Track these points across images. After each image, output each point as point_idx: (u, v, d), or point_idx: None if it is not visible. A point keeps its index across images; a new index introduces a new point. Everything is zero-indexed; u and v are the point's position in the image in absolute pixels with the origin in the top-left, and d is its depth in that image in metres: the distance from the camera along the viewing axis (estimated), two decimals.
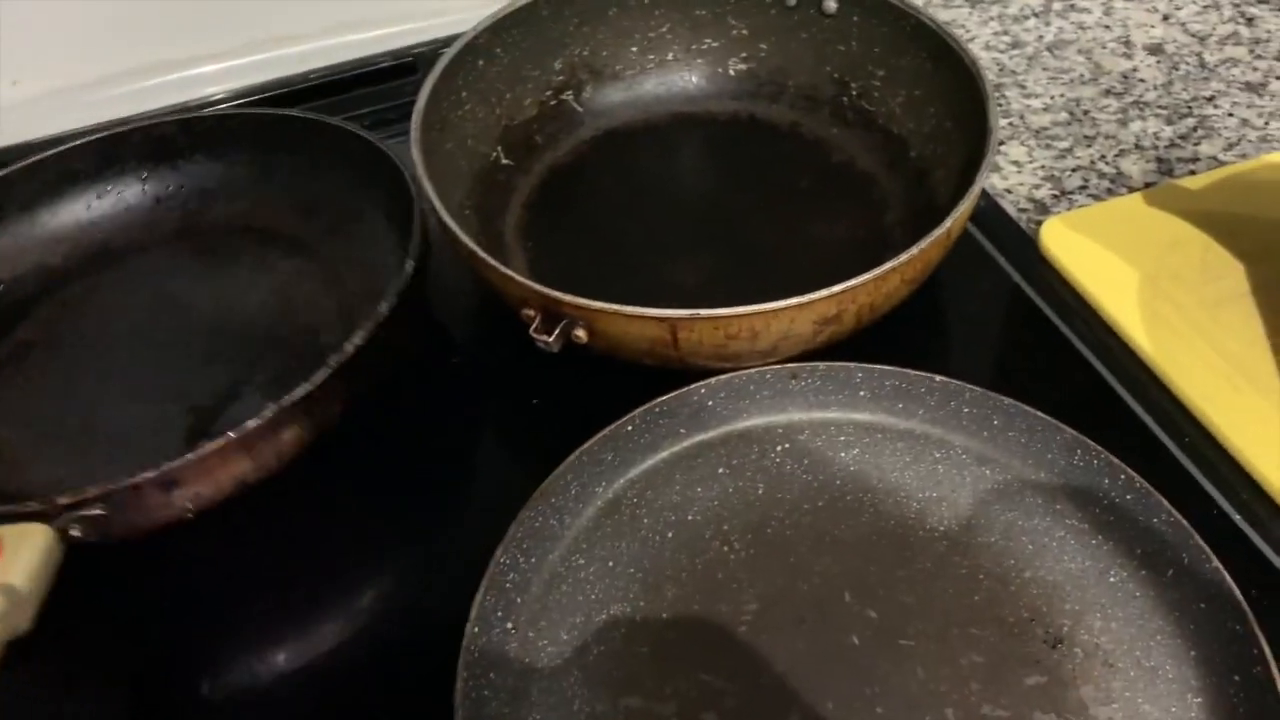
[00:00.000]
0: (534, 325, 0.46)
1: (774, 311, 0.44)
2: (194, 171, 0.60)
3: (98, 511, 0.40)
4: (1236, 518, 0.45)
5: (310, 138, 0.58)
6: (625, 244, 0.58)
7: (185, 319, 0.55)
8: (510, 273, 0.46)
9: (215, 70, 0.68)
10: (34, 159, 0.57)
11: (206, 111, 0.60)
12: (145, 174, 0.60)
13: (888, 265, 0.45)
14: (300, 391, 0.43)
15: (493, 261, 0.47)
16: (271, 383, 0.51)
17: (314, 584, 0.46)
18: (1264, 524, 0.45)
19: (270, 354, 0.53)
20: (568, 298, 0.45)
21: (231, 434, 0.42)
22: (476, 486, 0.50)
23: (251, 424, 0.42)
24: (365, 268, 0.55)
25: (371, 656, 0.44)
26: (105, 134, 0.59)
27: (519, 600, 0.43)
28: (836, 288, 0.44)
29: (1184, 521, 0.42)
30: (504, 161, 0.61)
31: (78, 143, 0.58)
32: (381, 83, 0.68)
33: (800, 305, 0.44)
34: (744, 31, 0.64)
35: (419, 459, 0.50)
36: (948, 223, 0.46)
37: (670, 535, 0.45)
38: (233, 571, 0.46)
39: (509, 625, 0.42)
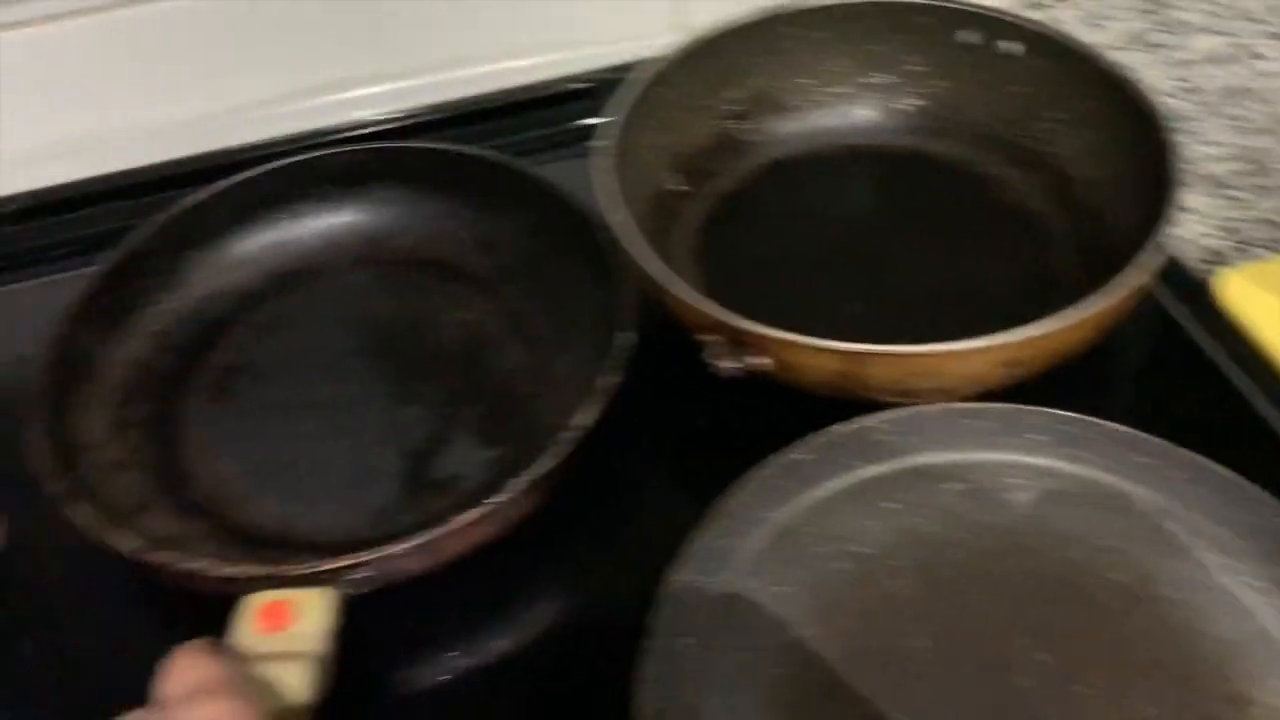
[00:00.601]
0: (713, 351, 0.48)
1: (961, 353, 0.45)
2: (381, 199, 0.62)
3: (368, 574, 0.43)
4: None
5: (493, 178, 0.60)
6: (796, 273, 0.59)
7: (379, 350, 0.57)
8: (696, 298, 0.48)
9: (386, 90, 0.71)
10: (228, 182, 0.59)
11: (402, 144, 0.62)
12: (334, 199, 0.62)
13: (1086, 311, 0.45)
14: (541, 468, 0.45)
15: (677, 289, 0.48)
16: (477, 430, 0.53)
17: (496, 594, 0.48)
18: None
19: (469, 400, 0.54)
20: (752, 326, 0.46)
21: (482, 507, 0.43)
22: (649, 508, 0.52)
23: (504, 496, 0.44)
24: (551, 310, 0.57)
25: (553, 666, 0.47)
26: (300, 159, 0.61)
27: (694, 618, 0.44)
28: (1027, 331, 0.45)
29: None
30: (678, 188, 0.63)
31: (270, 167, 0.60)
32: (553, 107, 0.70)
33: (987, 348, 0.45)
34: (918, 68, 0.65)
35: (595, 482, 0.51)
36: (1146, 272, 0.46)
37: (843, 567, 0.46)
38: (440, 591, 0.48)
39: (685, 641, 0.43)
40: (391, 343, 0.58)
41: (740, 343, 0.47)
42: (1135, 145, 0.55)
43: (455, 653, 0.47)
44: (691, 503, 0.48)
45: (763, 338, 0.46)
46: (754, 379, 0.49)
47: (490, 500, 0.44)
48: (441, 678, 0.46)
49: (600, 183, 0.53)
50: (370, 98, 0.71)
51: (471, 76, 0.71)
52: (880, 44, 0.65)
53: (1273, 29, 0.73)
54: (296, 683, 0.38)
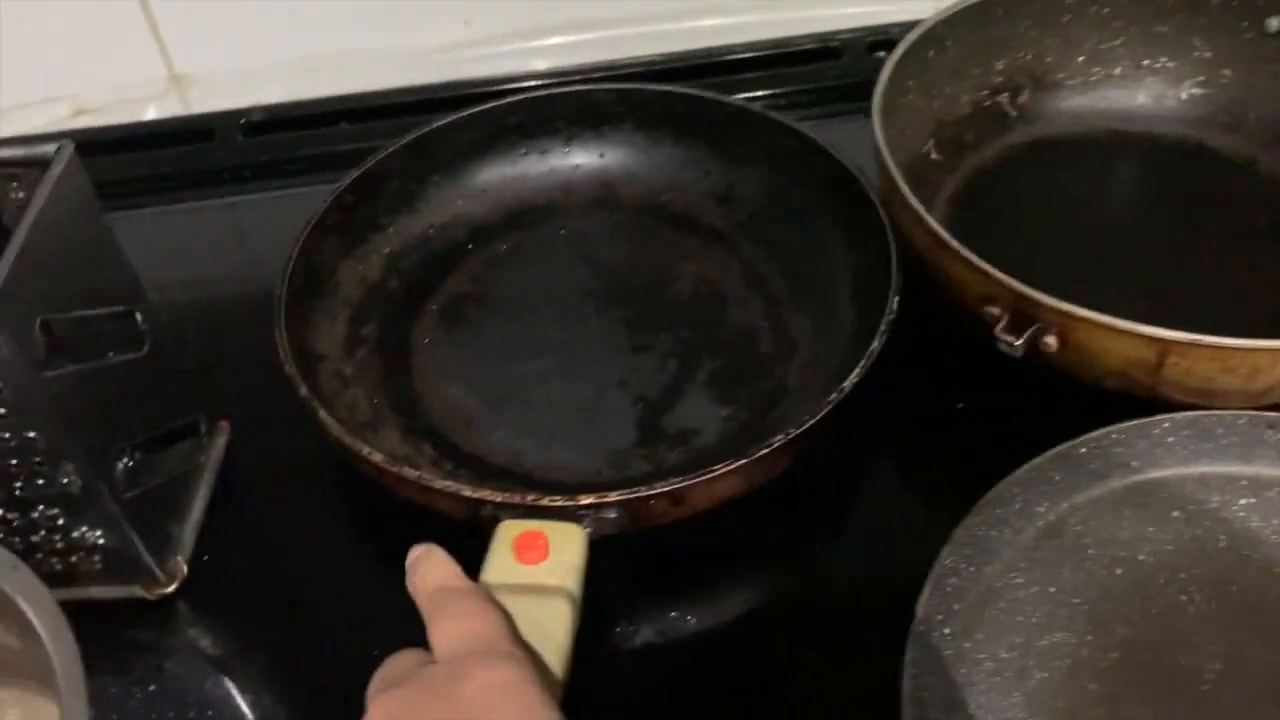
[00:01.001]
0: (1000, 325, 0.44)
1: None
2: (618, 141, 0.60)
3: (613, 515, 0.41)
4: None
5: (742, 128, 0.57)
6: (1055, 258, 0.54)
7: (610, 294, 0.55)
8: (987, 267, 0.44)
9: (635, 34, 0.69)
10: (472, 111, 0.58)
11: (646, 87, 0.60)
12: (571, 137, 0.60)
13: None
14: (804, 426, 0.42)
15: (966, 253, 0.45)
16: (712, 384, 0.51)
17: (731, 553, 0.46)
18: None
19: (707, 351, 0.52)
20: (1049, 300, 0.43)
21: (745, 457, 0.41)
22: (892, 487, 0.49)
23: (760, 451, 0.41)
24: (791, 271, 0.55)
25: (779, 633, 0.44)
26: (542, 94, 0.60)
27: (957, 607, 0.41)
28: None
29: None
30: (933, 157, 0.59)
31: (514, 99, 0.59)
32: (801, 65, 0.68)
33: None
34: (1207, 54, 0.60)
35: (840, 450, 0.48)
36: None
37: (1119, 572, 0.42)
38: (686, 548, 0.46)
39: (947, 631, 0.40)
40: (624, 288, 0.56)
41: (1027, 318, 0.44)
42: None
43: (684, 607, 0.45)
44: (943, 487, 0.45)
45: (1057, 312, 0.43)
46: (1032, 361, 0.45)
47: (748, 454, 0.41)
48: (669, 632, 0.44)
49: (877, 138, 0.50)
50: (622, 39, 0.69)
51: (722, 27, 0.68)
52: (1167, 24, 0.60)
53: None
54: (556, 618, 0.36)
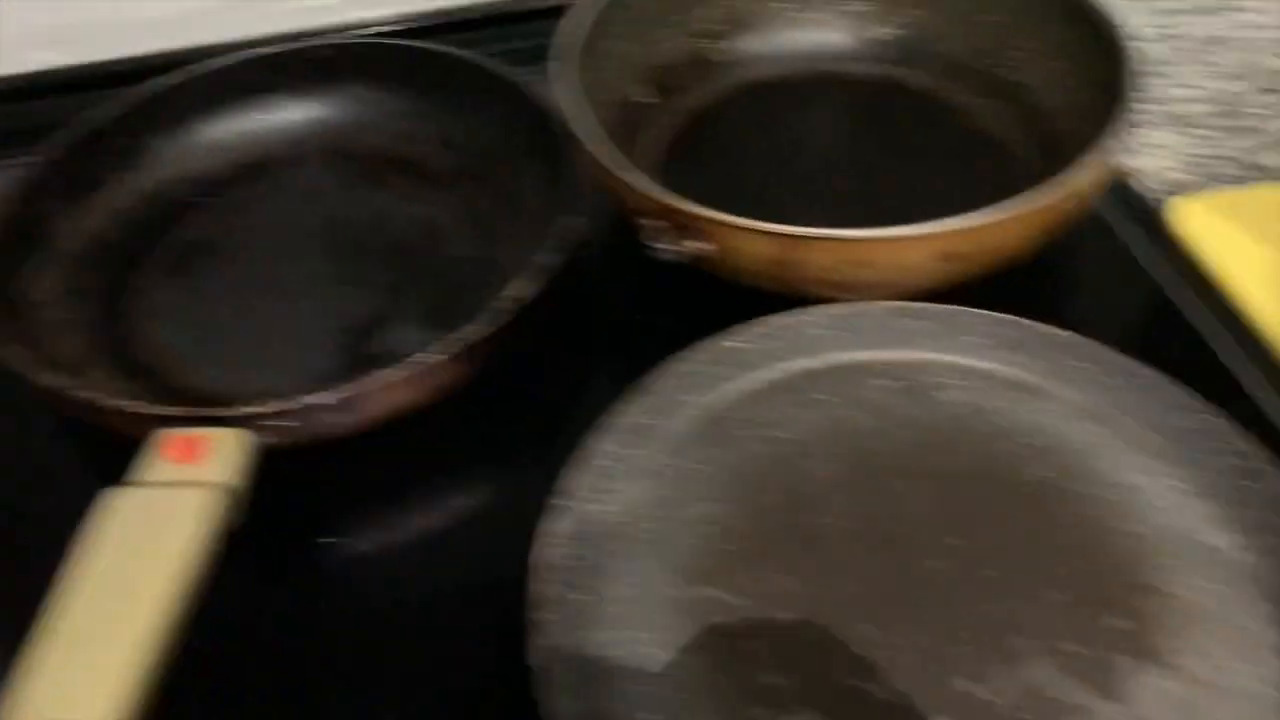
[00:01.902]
0: (654, 235, 0.48)
1: (897, 240, 0.45)
2: (349, 95, 0.63)
3: (285, 423, 0.43)
4: None
5: (460, 75, 0.60)
6: (756, 186, 0.59)
7: (336, 239, 0.58)
8: (633, 177, 0.48)
9: None
10: (202, 69, 0.60)
11: (366, 37, 0.63)
12: (304, 93, 0.63)
13: (1021, 207, 0.46)
14: (470, 334, 0.45)
15: (616, 169, 0.49)
16: (420, 315, 0.54)
17: (421, 464, 0.49)
18: None
19: (418, 285, 0.55)
20: (691, 207, 0.47)
21: (404, 366, 0.44)
22: (582, 391, 0.52)
23: (429, 360, 0.44)
24: (509, 206, 0.58)
25: (469, 539, 0.47)
26: (271, 51, 0.62)
27: (609, 486, 0.44)
28: (963, 221, 0.45)
29: None
30: (643, 100, 0.63)
31: (243, 56, 0.61)
32: (538, 20, 0.71)
33: (925, 236, 0.45)
34: None
35: (531, 363, 0.52)
36: (1087, 170, 0.46)
37: (767, 449, 0.46)
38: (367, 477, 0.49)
39: (595, 506, 0.43)
40: (348, 231, 0.58)
41: (682, 227, 0.48)
42: (1099, 71, 0.55)
43: (376, 516, 0.47)
44: (624, 385, 0.48)
45: (703, 219, 0.47)
46: (697, 267, 0.49)
47: (411, 360, 0.44)
48: (360, 542, 0.47)
49: (557, 78, 0.54)
50: (342, 4, 0.71)
51: None
52: None
53: None
54: (201, 507, 0.38)
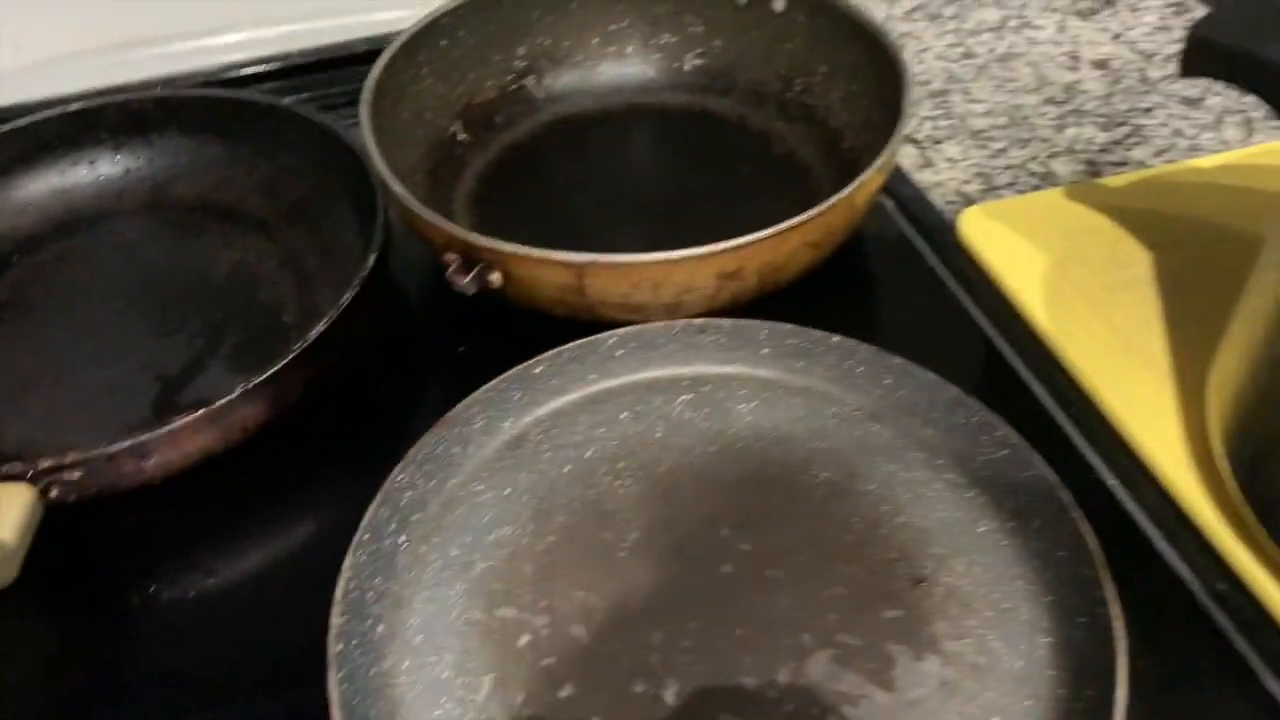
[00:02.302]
0: (452, 268, 0.49)
1: (675, 261, 0.47)
2: (165, 146, 0.63)
3: (76, 475, 0.44)
4: (1112, 481, 0.47)
5: (273, 121, 0.61)
6: (567, 216, 0.61)
7: (152, 289, 0.58)
8: (429, 214, 0.49)
9: (196, 47, 0.72)
10: (10, 126, 0.60)
11: (181, 91, 0.63)
12: (119, 146, 0.63)
13: (787, 224, 0.48)
14: (264, 375, 0.46)
15: (415, 206, 0.50)
16: (233, 357, 0.54)
17: (226, 507, 0.49)
18: (1138, 487, 0.46)
19: (232, 328, 0.56)
20: (483, 241, 0.48)
21: (201, 410, 0.45)
22: (389, 425, 0.53)
23: (219, 402, 0.45)
24: (324, 248, 0.59)
25: (275, 578, 0.47)
26: (82, 106, 0.62)
27: (414, 517, 0.45)
28: (735, 241, 0.47)
29: (1053, 475, 0.43)
30: (461, 137, 0.64)
31: (54, 113, 0.61)
32: (357, 65, 0.72)
33: (700, 256, 0.47)
34: (699, 28, 0.68)
35: (362, 409, 0.53)
36: (849, 188, 0.49)
37: (566, 469, 0.48)
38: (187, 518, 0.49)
39: (401, 539, 0.44)
40: (164, 281, 0.59)
41: (478, 260, 0.49)
42: (886, 92, 0.58)
43: (175, 565, 0.47)
44: (431, 418, 0.49)
45: (492, 251, 0.48)
46: (501, 298, 0.50)
47: (202, 408, 0.45)
48: (161, 591, 0.47)
49: (365, 121, 0.55)
50: (182, 53, 0.72)
51: (280, 35, 0.72)
52: (664, 6, 0.67)
53: (1046, 1, 0.77)
54: None
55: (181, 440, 0.45)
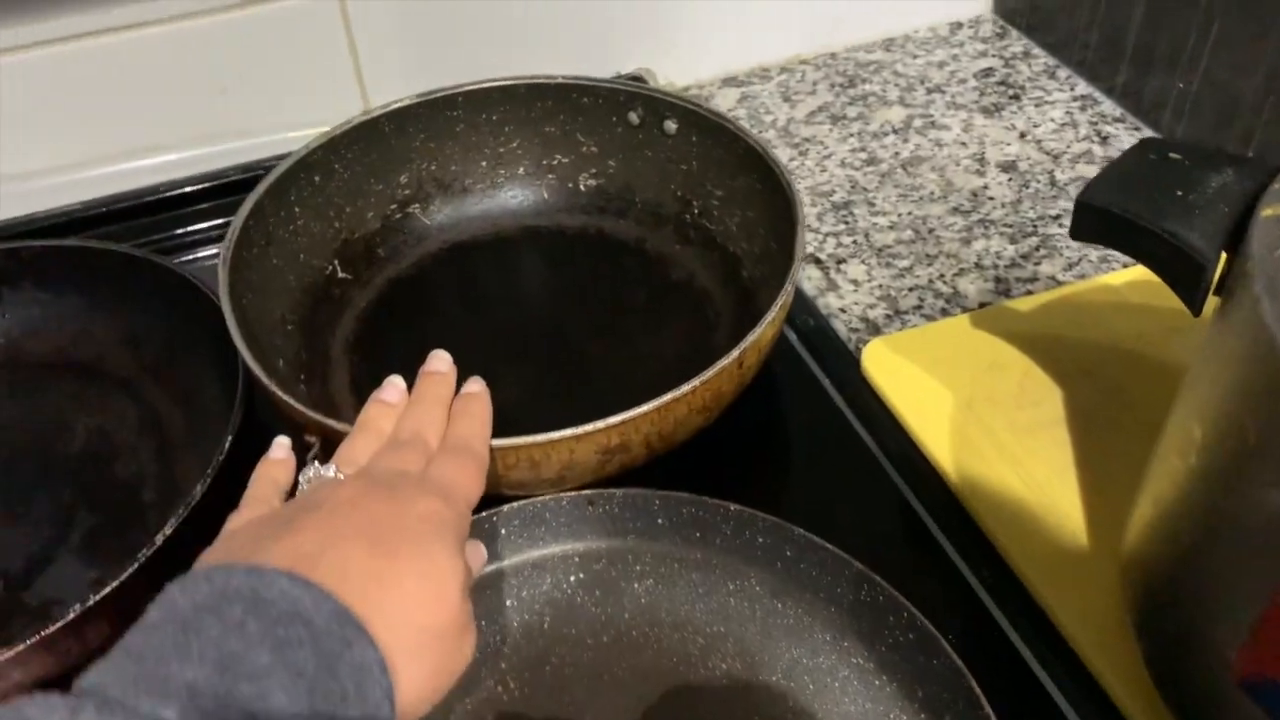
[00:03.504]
0: (312, 452, 0.45)
1: (552, 443, 0.44)
2: (20, 300, 0.59)
3: None
4: (1026, 653, 0.44)
5: (132, 271, 0.57)
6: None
7: (5, 463, 0.54)
8: (281, 395, 0.45)
9: (65, 183, 0.68)
10: None
11: (36, 243, 0.59)
12: None
13: (670, 396, 0.44)
14: (105, 591, 0.42)
15: (266, 381, 0.46)
16: (86, 545, 0.50)
17: None
18: (1050, 663, 0.44)
19: (87, 510, 0.51)
20: (342, 426, 0.44)
21: (28, 641, 0.40)
22: None
23: (51, 630, 0.41)
24: (188, 409, 0.55)
25: None
26: None
27: None
28: (615, 419, 0.44)
29: (960, 665, 0.40)
30: (340, 275, 0.61)
31: None
32: (234, 194, 0.68)
33: (578, 436, 0.44)
34: (593, 148, 0.65)
35: None
36: (735, 353, 0.46)
37: None
38: None
39: None
40: (11, 454, 0.54)
41: (336, 442, 0.45)
42: (781, 222, 0.55)
43: None
44: None
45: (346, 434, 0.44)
46: None
47: (34, 638, 0.40)
48: None
49: (220, 278, 0.51)
50: (45, 190, 0.67)
51: (140, 169, 0.68)
52: (553, 125, 0.64)
53: (951, 98, 0.75)
54: None
55: (9, 672, 0.40)
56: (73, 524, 0.50)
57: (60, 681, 0.43)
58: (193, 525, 0.44)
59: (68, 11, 0.62)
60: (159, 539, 0.43)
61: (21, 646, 0.40)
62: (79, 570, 0.49)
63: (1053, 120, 0.73)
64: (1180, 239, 0.36)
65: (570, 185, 0.66)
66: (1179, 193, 0.37)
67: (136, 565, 0.43)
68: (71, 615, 0.41)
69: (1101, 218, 0.38)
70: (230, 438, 0.47)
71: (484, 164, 0.65)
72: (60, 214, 0.67)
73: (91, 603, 0.41)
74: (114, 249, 0.58)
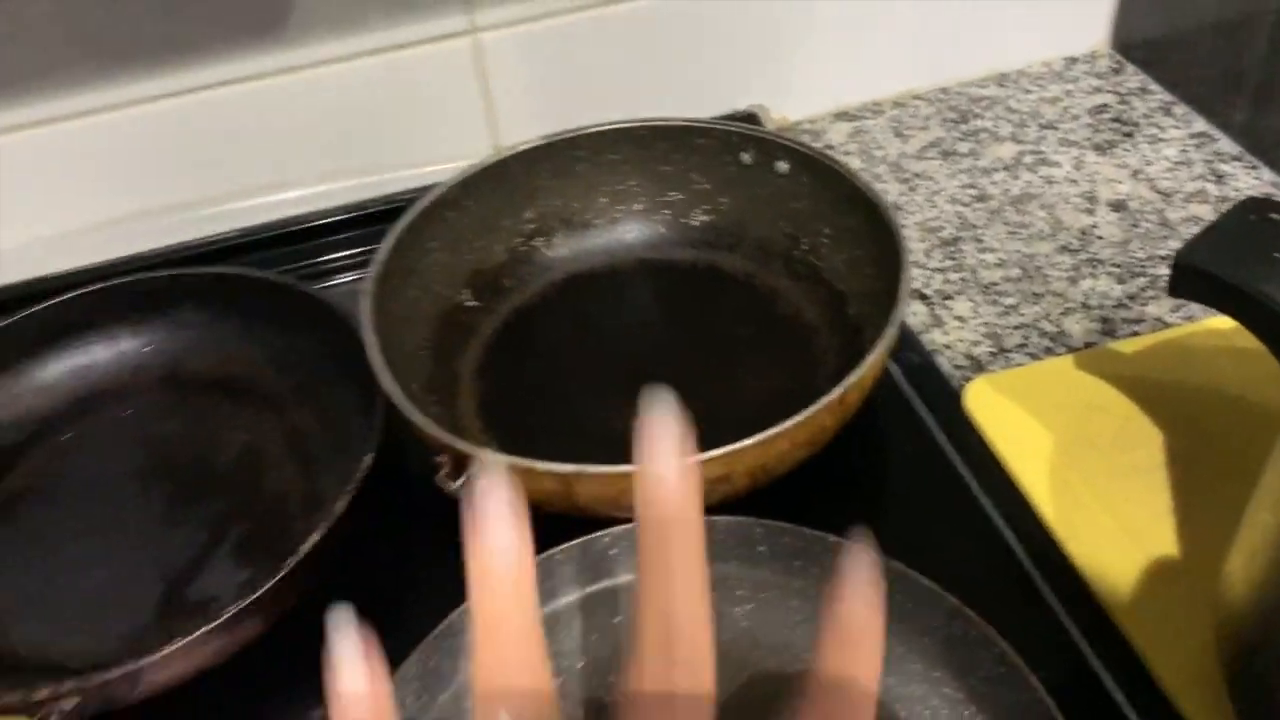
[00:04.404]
0: (443, 472, 0.49)
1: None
2: (182, 322, 0.64)
3: (72, 703, 0.44)
4: (1118, 696, 0.45)
5: (279, 297, 0.62)
6: (571, 385, 0.61)
7: (160, 474, 0.59)
8: (420, 418, 0.50)
9: (216, 213, 0.74)
10: (31, 310, 0.62)
11: (196, 270, 0.65)
12: (136, 323, 0.65)
13: (773, 431, 0.47)
14: (259, 593, 0.46)
15: (406, 408, 0.50)
16: (238, 550, 0.55)
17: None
18: (1143, 709, 0.45)
19: (237, 520, 0.56)
20: (469, 447, 0.48)
21: (194, 635, 0.45)
22: (409, 628, 0.53)
23: (213, 624, 0.46)
24: (331, 430, 0.60)
25: None
26: (100, 285, 0.63)
27: None
28: (720, 451, 0.47)
29: (1049, 701, 0.42)
30: (469, 304, 0.65)
31: (74, 294, 0.63)
32: (375, 225, 0.73)
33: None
34: (706, 186, 0.68)
35: (359, 606, 0.52)
36: (838, 391, 0.48)
37: (560, 681, 0.47)
38: None
39: None
40: (173, 465, 0.60)
41: (465, 463, 0.49)
42: (888, 262, 0.57)
43: None
44: (430, 622, 0.49)
45: (477, 458, 0.48)
46: None
47: (199, 631, 0.45)
48: None
49: (362, 305, 0.56)
50: (193, 220, 0.74)
51: (285, 201, 0.74)
52: (669, 164, 0.68)
53: (1063, 134, 0.76)
54: None
55: (175, 661, 0.45)
56: (226, 531, 0.56)
57: (216, 672, 0.48)
58: (334, 537, 0.49)
59: (235, 58, 0.68)
60: (303, 549, 0.48)
61: (187, 639, 0.45)
62: (231, 573, 0.54)
63: (1166, 158, 0.73)
64: (1278, 303, 0.37)
65: (683, 221, 0.69)
66: (1278, 255, 0.38)
67: (285, 571, 0.47)
68: (229, 613, 0.46)
69: (1199, 278, 0.40)
70: (370, 456, 0.51)
71: (603, 200, 0.69)
72: (220, 240, 0.73)
73: (247, 603, 0.46)
74: (264, 276, 0.63)
